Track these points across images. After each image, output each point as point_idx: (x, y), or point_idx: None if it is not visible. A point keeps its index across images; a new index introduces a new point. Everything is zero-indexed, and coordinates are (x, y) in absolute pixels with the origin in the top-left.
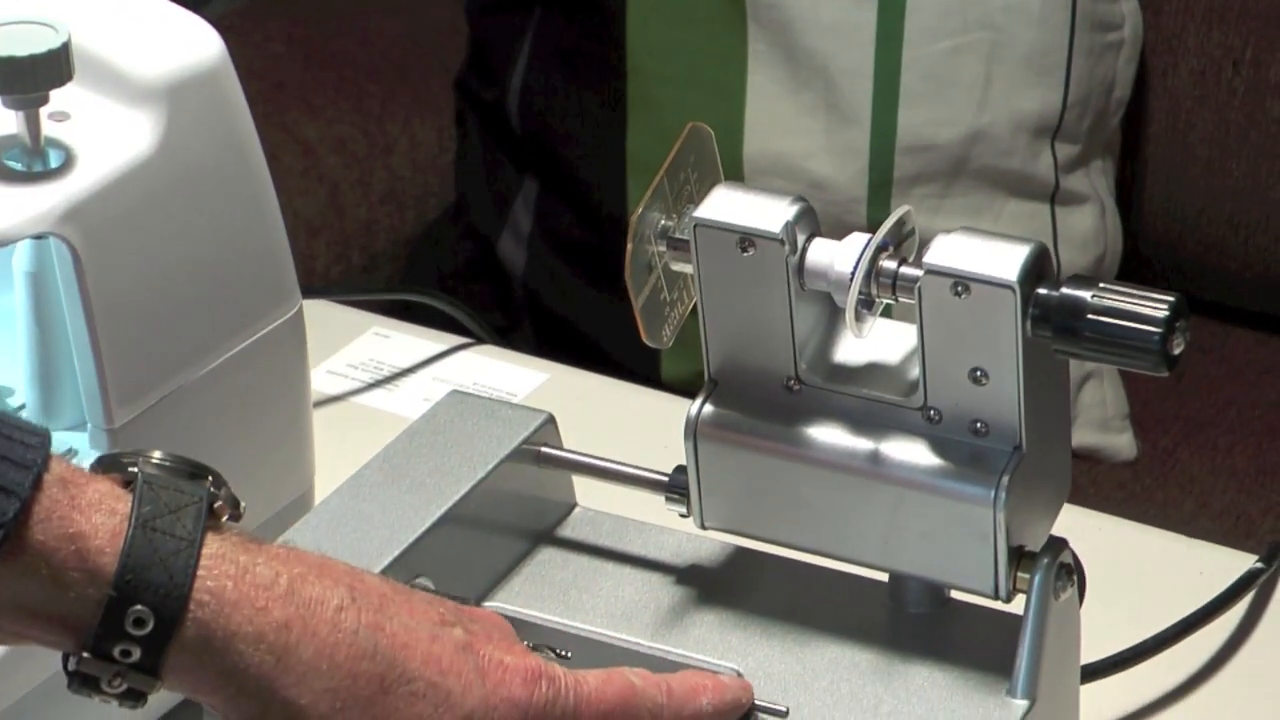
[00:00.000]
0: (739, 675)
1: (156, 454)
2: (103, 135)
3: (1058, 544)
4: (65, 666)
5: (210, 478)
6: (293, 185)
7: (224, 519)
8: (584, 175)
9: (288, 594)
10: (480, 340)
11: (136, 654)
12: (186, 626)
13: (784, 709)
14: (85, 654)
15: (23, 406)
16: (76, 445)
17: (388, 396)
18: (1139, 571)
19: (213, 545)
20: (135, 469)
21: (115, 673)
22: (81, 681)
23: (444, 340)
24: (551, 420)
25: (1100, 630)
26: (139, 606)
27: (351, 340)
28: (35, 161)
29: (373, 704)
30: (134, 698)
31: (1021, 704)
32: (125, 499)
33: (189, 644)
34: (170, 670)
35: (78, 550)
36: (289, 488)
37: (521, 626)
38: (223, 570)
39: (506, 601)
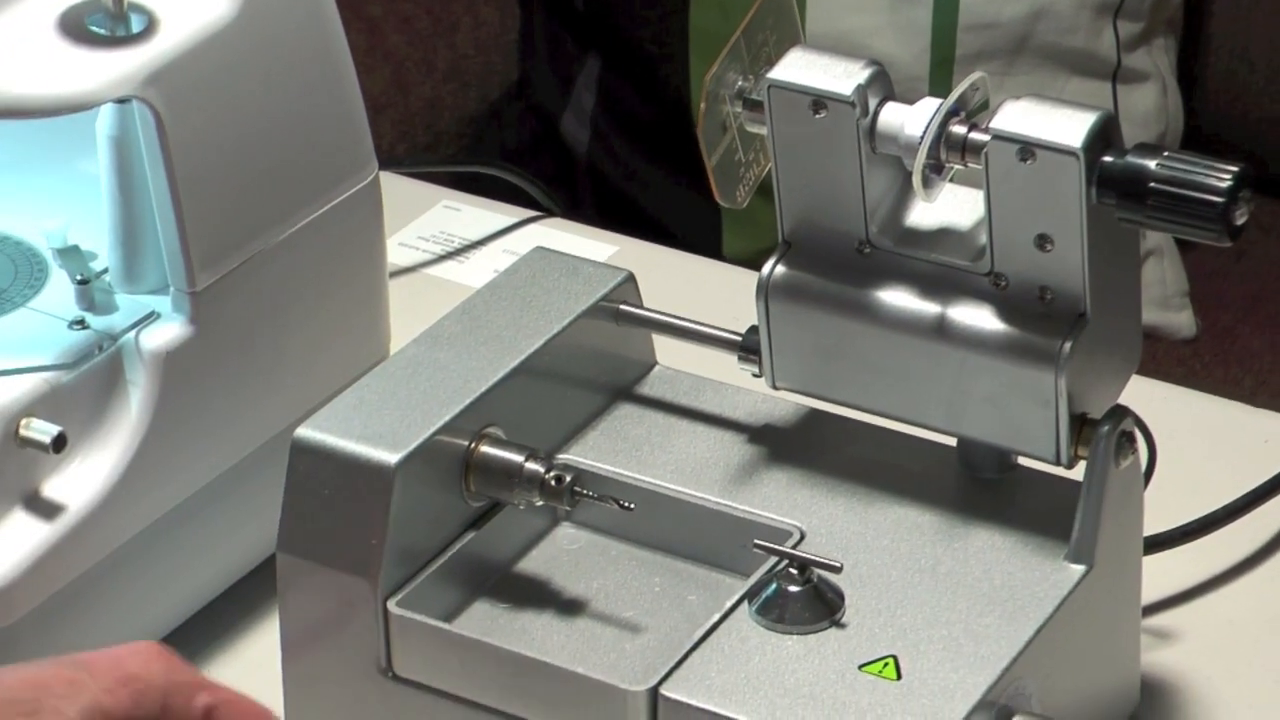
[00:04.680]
0: (802, 533)
1: None
2: (184, 0)
3: (1120, 411)
4: None
5: None
6: (357, 63)
7: None
8: (647, 52)
9: None
10: (549, 213)
11: None
12: None
13: (839, 564)
14: None
15: (106, 270)
16: (159, 308)
17: (459, 268)
18: (1203, 441)
19: None
20: None
21: None
22: None
23: (513, 213)
24: (631, 278)
25: (1164, 500)
26: None
27: (422, 213)
28: (118, 26)
29: None
30: None
31: (1078, 569)
32: None
33: None
34: None
35: None
36: (366, 353)
37: (592, 478)
38: None
39: (580, 454)
